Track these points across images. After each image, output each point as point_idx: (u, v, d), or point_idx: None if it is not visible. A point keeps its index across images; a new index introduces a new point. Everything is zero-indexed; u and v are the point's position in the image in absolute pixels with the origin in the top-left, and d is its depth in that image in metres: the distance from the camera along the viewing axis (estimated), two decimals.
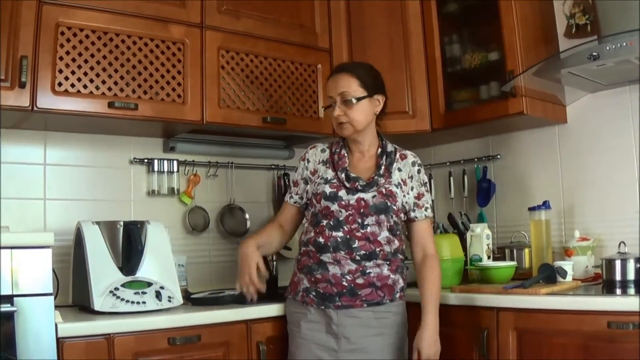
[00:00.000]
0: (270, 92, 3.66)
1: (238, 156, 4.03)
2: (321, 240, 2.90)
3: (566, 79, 3.35)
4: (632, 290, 2.96)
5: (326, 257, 2.88)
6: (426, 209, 3.03)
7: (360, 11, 3.97)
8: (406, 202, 2.97)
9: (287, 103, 3.72)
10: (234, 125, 3.55)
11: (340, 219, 2.89)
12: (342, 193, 2.92)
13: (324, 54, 3.91)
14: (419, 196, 3.02)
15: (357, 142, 3.04)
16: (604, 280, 3.16)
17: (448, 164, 4.28)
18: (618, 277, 3.09)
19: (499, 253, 3.77)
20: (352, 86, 2.96)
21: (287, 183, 4.11)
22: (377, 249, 2.88)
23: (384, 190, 2.92)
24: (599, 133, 3.62)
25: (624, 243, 3.19)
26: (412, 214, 3.00)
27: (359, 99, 2.94)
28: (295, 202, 3.13)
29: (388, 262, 2.90)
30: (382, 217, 2.89)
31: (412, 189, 3.01)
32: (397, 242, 2.95)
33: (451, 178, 4.25)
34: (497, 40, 3.61)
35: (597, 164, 3.63)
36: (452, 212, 4.06)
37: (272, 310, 3.10)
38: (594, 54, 3.00)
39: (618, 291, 3.01)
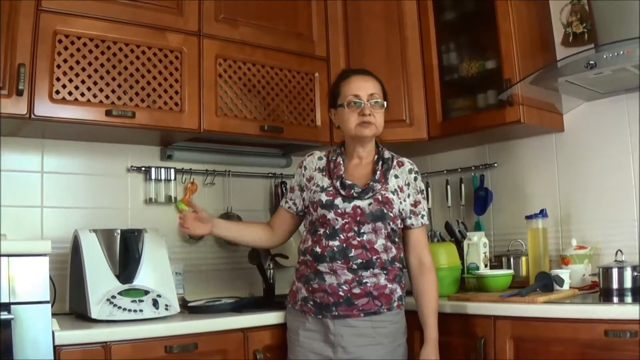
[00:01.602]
0: (267, 100, 3.66)
1: (235, 164, 4.02)
2: (318, 249, 2.90)
3: (563, 87, 3.36)
4: (629, 299, 2.96)
5: (323, 267, 2.88)
6: (422, 217, 3.03)
7: (358, 19, 3.97)
8: (403, 209, 2.97)
9: (284, 111, 3.72)
10: (231, 133, 3.55)
11: (337, 227, 2.89)
12: (338, 201, 2.92)
13: (321, 63, 3.92)
14: (415, 204, 3.02)
15: (362, 147, 3.05)
16: (601, 289, 3.16)
17: (445, 172, 4.28)
18: (615, 285, 3.09)
19: (496, 261, 3.76)
20: (379, 91, 3.02)
21: (284, 191, 4.11)
22: (374, 257, 2.87)
23: (380, 197, 2.92)
24: (596, 141, 3.63)
25: (621, 251, 3.20)
26: (408, 222, 3.00)
27: (384, 106, 3.01)
28: (289, 208, 3.15)
29: (385, 271, 2.90)
30: (379, 224, 2.89)
31: (408, 196, 3.01)
32: (394, 250, 2.95)
33: (448, 186, 4.25)
34: (494, 49, 3.61)
35: (594, 172, 3.63)
36: (449, 220, 4.06)
37: (269, 318, 3.10)
38: (591, 62, 3.00)
39: (615, 299, 3.01)
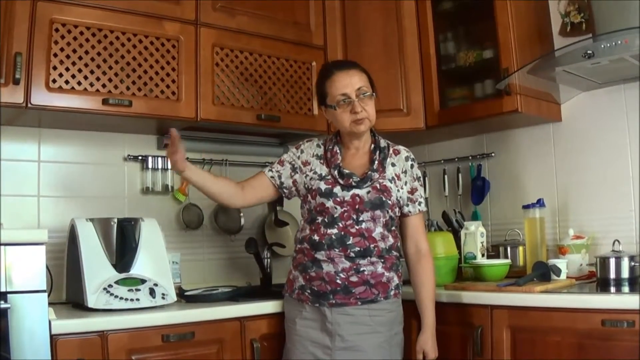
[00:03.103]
0: (264, 89, 3.65)
1: (232, 153, 4.01)
2: (316, 237, 2.90)
3: (561, 77, 3.35)
4: (626, 289, 2.97)
5: (320, 255, 2.88)
6: (419, 204, 3.04)
7: (355, 8, 3.96)
8: (400, 197, 2.97)
9: (281, 100, 3.71)
10: (228, 122, 3.54)
11: (335, 215, 2.89)
12: (337, 189, 2.92)
13: (318, 52, 3.91)
14: (412, 191, 3.02)
15: (359, 139, 3.03)
16: (598, 279, 3.16)
17: (442, 161, 4.28)
18: (612, 275, 3.10)
19: (493, 251, 3.77)
20: (366, 82, 2.98)
21: None
22: (372, 245, 2.88)
23: (378, 186, 2.92)
24: (594, 131, 3.62)
25: (618, 241, 3.20)
26: (406, 209, 3.01)
27: (374, 95, 2.97)
28: (272, 177, 3.12)
29: (382, 260, 2.90)
30: (378, 212, 2.90)
31: (405, 183, 3.01)
32: (391, 239, 2.95)
33: (445, 176, 4.25)
34: (492, 38, 3.61)
35: (591, 162, 3.62)
36: (447, 209, 4.06)
37: (266, 307, 3.10)
38: (588, 52, 2.99)
39: (612, 289, 3.02)
